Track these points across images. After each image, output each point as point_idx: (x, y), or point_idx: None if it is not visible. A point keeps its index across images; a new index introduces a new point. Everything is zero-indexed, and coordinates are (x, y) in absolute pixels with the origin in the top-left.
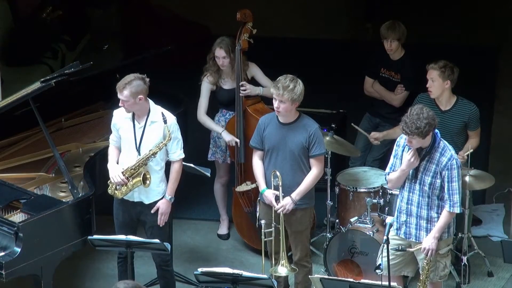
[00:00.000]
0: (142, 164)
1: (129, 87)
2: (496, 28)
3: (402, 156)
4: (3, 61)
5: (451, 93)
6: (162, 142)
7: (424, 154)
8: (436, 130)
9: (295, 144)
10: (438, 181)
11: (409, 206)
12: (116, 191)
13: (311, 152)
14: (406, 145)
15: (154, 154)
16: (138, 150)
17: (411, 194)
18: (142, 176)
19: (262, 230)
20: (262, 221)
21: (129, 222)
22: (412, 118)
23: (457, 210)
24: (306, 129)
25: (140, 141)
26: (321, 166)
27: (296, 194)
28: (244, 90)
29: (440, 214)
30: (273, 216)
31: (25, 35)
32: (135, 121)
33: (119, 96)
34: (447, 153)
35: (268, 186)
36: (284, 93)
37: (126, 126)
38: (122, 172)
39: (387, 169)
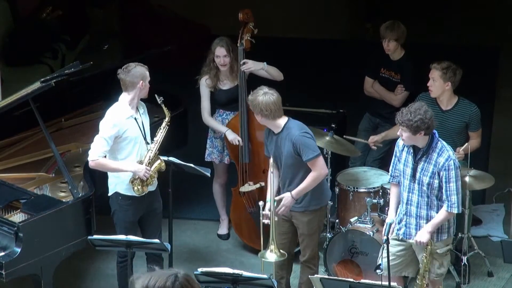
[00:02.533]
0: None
1: None
2: (497, 28)
3: (400, 157)
4: (3, 61)
5: (453, 93)
6: (165, 121)
7: (422, 154)
8: (434, 131)
9: (287, 153)
10: (436, 181)
11: (409, 207)
12: (144, 187)
13: (303, 158)
14: (405, 145)
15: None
16: (146, 139)
17: (410, 194)
18: (159, 159)
19: (260, 211)
20: (260, 202)
21: (136, 220)
22: (409, 110)
23: (455, 210)
24: (290, 139)
25: (144, 130)
26: (319, 168)
27: (295, 192)
28: (248, 68)
29: None
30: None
31: (25, 35)
32: (135, 116)
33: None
34: (444, 154)
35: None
36: (251, 106)
37: (131, 124)
38: (146, 165)
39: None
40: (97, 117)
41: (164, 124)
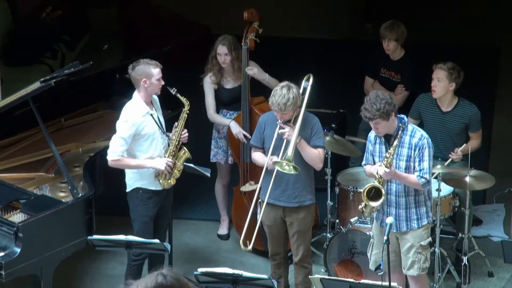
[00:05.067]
0: (179, 141)
1: None
2: (497, 28)
3: (373, 150)
4: (3, 61)
5: (454, 94)
6: (184, 110)
7: (393, 139)
8: (403, 115)
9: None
10: (413, 164)
11: (388, 196)
12: (169, 180)
13: (312, 141)
14: (376, 136)
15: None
16: (165, 133)
17: (388, 183)
18: (183, 149)
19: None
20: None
21: (154, 214)
22: (369, 102)
23: (422, 181)
24: (307, 123)
25: (161, 125)
26: (320, 159)
27: (300, 138)
28: (252, 71)
29: (418, 198)
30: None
31: (25, 35)
32: (151, 112)
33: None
34: (417, 134)
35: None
36: (286, 109)
37: (147, 121)
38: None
39: (363, 162)
40: (97, 117)
41: (183, 114)
